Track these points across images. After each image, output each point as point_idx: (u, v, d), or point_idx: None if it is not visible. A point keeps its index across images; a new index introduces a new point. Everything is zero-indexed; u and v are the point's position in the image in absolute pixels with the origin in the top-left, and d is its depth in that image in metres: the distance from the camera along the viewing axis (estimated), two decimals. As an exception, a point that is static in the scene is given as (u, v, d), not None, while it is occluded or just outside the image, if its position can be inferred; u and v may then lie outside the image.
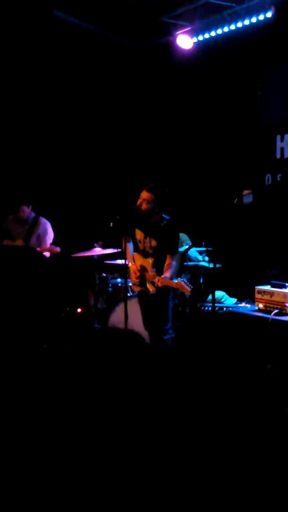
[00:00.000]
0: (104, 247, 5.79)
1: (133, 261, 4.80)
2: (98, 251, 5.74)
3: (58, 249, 5.67)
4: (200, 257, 6.09)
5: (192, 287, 4.44)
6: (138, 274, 4.72)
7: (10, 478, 1.04)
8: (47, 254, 5.75)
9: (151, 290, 4.65)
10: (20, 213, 5.79)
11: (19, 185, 6.14)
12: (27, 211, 5.81)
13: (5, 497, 1.01)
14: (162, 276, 4.53)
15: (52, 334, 5.70)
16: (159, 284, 4.48)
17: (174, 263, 4.67)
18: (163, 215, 4.67)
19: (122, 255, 4.80)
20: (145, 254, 4.74)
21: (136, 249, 4.86)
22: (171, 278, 4.59)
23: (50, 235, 5.88)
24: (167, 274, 4.57)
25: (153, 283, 4.60)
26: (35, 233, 5.83)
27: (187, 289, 4.44)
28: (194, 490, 1.09)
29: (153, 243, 4.67)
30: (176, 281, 4.50)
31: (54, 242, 5.84)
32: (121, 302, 5.45)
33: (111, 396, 0.99)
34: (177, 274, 5.78)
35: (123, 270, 4.88)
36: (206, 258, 5.95)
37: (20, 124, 6.61)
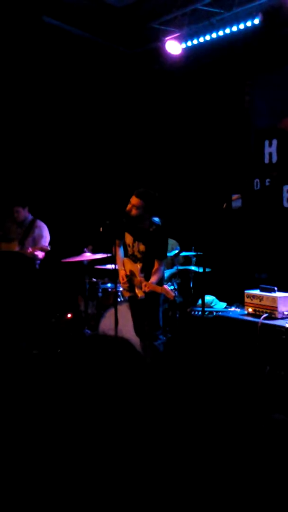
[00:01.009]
0: (94, 252, 5.78)
1: (122, 266, 4.80)
2: (88, 256, 5.74)
3: (48, 248, 5.68)
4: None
5: (175, 294, 4.48)
6: (126, 279, 4.73)
7: (7, 481, 1.04)
8: (40, 254, 5.72)
9: (139, 295, 4.66)
10: (14, 214, 5.80)
11: (13, 187, 6.14)
12: (22, 213, 5.82)
13: (5, 497, 1.01)
14: (150, 281, 4.54)
15: (42, 339, 5.68)
16: (146, 289, 4.49)
17: (162, 268, 4.69)
18: (153, 219, 4.68)
19: (112, 260, 4.80)
20: (134, 258, 4.74)
21: (126, 253, 4.87)
22: (158, 284, 4.60)
23: (46, 239, 5.88)
24: (153, 279, 4.58)
25: (141, 288, 4.61)
26: (31, 236, 5.83)
27: (171, 294, 4.48)
28: (189, 494, 1.10)
29: (142, 247, 4.68)
30: (161, 286, 4.54)
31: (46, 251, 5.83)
32: (111, 307, 5.45)
33: (101, 403, 1.00)
34: (168, 279, 5.79)
35: (113, 275, 4.88)
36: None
37: (11, 129, 6.60)
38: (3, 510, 1.01)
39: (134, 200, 4.54)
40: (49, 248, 5.67)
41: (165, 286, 4.55)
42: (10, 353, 4.86)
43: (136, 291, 4.69)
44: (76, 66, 7.12)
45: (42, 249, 5.66)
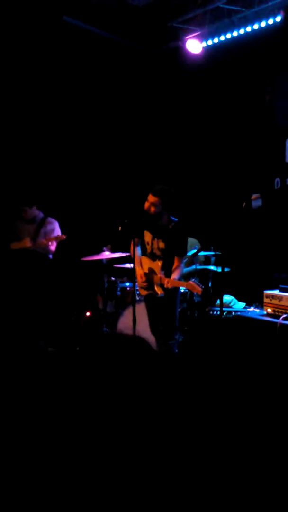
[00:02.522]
0: (113, 251, 5.80)
1: (140, 265, 4.80)
2: (107, 255, 5.76)
3: (63, 236, 5.61)
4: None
5: (203, 287, 4.44)
6: (144, 278, 4.73)
7: (14, 478, 1.05)
8: (53, 246, 5.71)
9: (159, 293, 4.65)
10: (22, 213, 5.83)
11: (19, 187, 6.17)
12: (30, 212, 5.82)
13: (5, 497, 1.02)
14: (172, 277, 4.54)
15: (60, 337, 5.72)
16: (169, 286, 4.48)
17: (182, 265, 4.68)
18: (171, 217, 4.68)
19: (131, 259, 4.81)
20: (153, 256, 4.74)
21: (144, 252, 4.87)
22: (180, 280, 4.60)
23: (57, 233, 5.89)
24: (175, 275, 4.58)
25: (162, 286, 4.60)
26: (43, 231, 5.85)
27: (199, 289, 4.42)
28: (196, 491, 1.10)
29: (161, 245, 4.68)
30: (186, 282, 4.51)
31: (63, 245, 5.84)
32: (129, 306, 5.46)
33: (116, 402, 1.00)
34: (185, 278, 5.78)
35: (132, 274, 4.89)
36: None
37: (31, 128, 6.66)
38: (3, 510, 1.02)
39: (151, 198, 4.55)
40: (64, 237, 5.61)
41: (191, 281, 4.50)
42: (26, 351, 4.90)
43: (156, 289, 4.68)
44: (97, 66, 7.14)
45: (57, 238, 5.64)
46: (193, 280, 4.54)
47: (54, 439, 1.02)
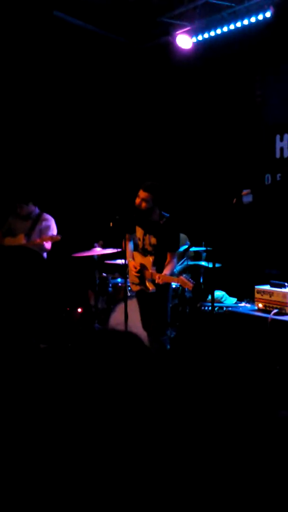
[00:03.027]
0: (104, 247, 5.80)
1: (132, 259, 4.80)
2: (98, 251, 5.76)
3: (59, 237, 5.64)
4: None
5: (194, 282, 4.45)
6: (137, 269, 4.71)
7: (10, 479, 1.05)
8: (48, 244, 5.71)
9: (150, 288, 4.66)
10: (18, 209, 5.80)
11: (16, 184, 6.14)
12: (25, 208, 5.80)
13: (5, 497, 1.02)
14: (163, 273, 4.54)
15: (52, 334, 5.71)
16: (160, 282, 4.48)
17: (174, 260, 4.68)
18: (162, 212, 4.68)
19: (123, 255, 4.81)
20: (144, 252, 4.74)
21: (135, 248, 4.86)
22: (171, 275, 4.60)
23: (53, 231, 5.88)
24: (166, 271, 4.58)
25: (153, 281, 4.61)
26: (38, 228, 5.83)
27: (190, 284, 4.43)
28: (194, 491, 1.10)
29: (153, 240, 4.68)
30: (177, 277, 4.51)
31: (57, 241, 5.83)
32: (121, 302, 5.46)
33: (109, 398, 1.01)
34: (178, 274, 5.79)
35: (123, 270, 4.90)
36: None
37: (21, 124, 6.62)
38: (3, 510, 1.02)
39: (142, 193, 4.55)
40: (59, 237, 5.63)
41: (182, 276, 4.51)
42: (17, 347, 4.88)
43: (147, 284, 4.68)
44: (87, 61, 7.12)
45: (51, 239, 5.64)
46: (185, 275, 4.55)
47: (46, 436, 1.02)
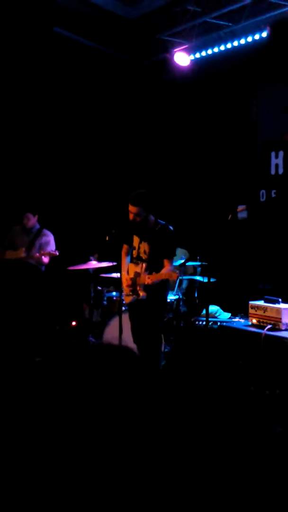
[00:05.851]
0: (99, 260, 5.81)
1: (126, 272, 4.76)
2: (93, 264, 5.77)
3: (57, 253, 5.73)
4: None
5: (178, 272, 4.49)
6: (130, 282, 4.67)
7: (9, 480, 1.06)
8: (46, 259, 5.80)
9: (141, 294, 4.58)
10: (25, 220, 5.88)
11: (24, 193, 6.24)
12: (33, 220, 5.93)
13: (5, 497, 1.03)
14: (153, 274, 4.47)
15: (46, 347, 5.70)
16: (149, 281, 4.41)
17: (171, 268, 4.54)
18: (158, 220, 4.66)
19: (118, 269, 4.79)
20: (139, 260, 4.69)
21: (131, 259, 4.83)
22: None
23: (52, 247, 5.95)
24: (159, 273, 4.50)
25: (144, 288, 4.54)
26: (38, 243, 5.92)
27: (175, 275, 4.43)
28: (188, 500, 1.11)
29: (147, 247, 4.64)
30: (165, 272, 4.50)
31: (55, 256, 5.89)
32: (116, 315, 5.46)
33: (104, 412, 1.02)
34: (172, 287, 5.80)
35: (119, 284, 4.89)
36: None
37: (20, 138, 6.68)
38: (3, 510, 1.03)
39: (132, 208, 4.51)
40: (57, 253, 5.72)
41: (168, 270, 4.49)
42: (13, 361, 4.87)
43: (138, 290, 4.61)
44: (86, 77, 7.20)
45: (50, 254, 5.74)
46: (170, 268, 4.52)
47: (43, 447, 1.03)
